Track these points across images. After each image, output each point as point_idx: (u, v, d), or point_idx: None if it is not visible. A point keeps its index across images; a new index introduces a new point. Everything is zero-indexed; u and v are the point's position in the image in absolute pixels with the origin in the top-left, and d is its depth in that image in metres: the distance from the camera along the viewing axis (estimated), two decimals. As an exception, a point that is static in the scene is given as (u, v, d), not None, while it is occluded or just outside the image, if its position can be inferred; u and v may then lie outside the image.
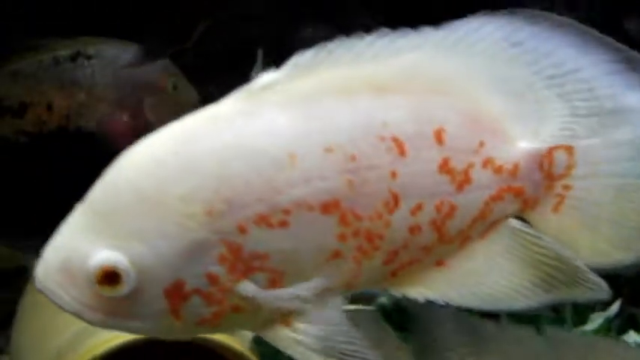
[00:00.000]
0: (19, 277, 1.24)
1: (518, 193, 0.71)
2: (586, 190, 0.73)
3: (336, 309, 0.66)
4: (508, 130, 0.71)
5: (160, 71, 1.20)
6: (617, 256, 0.73)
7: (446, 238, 0.69)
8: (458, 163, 0.67)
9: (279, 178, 0.62)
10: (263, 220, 0.62)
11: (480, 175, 0.69)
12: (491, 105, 0.69)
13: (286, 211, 0.62)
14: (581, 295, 0.72)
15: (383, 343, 0.81)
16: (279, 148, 0.62)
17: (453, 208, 0.67)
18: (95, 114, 1.18)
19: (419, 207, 0.66)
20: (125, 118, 1.18)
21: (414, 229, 0.67)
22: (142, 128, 1.15)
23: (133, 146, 0.66)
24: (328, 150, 0.63)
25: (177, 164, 0.62)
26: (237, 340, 0.85)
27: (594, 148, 0.72)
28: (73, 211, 0.65)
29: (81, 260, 0.62)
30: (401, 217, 0.66)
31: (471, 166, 0.68)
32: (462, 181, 0.67)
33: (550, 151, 0.71)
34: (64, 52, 1.19)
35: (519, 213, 0.73)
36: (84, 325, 0.82)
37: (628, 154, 0.71)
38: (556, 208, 0.73)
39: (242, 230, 0.61)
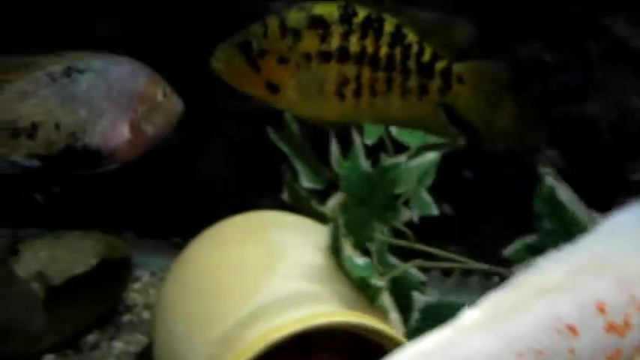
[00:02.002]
0: (123, 268, 1.28)
1: None
2: None
3: None
4: None
5: (148, 80, 1.17)
6: None
7: None
8: (619, 321, 0.81)
9: None
10: None
11: (637, 318, 0.82)
12: (636, 263, 0.84)
13: None
14: None
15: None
16: None
17: (619, 351, 0.82)
18: (97, 129, 1.14)
19: None
20: (125, 130, 1.16)
21: None
22: (140, 140, 1.17)
23: None
24: (521, 354, 0.76)
25: None
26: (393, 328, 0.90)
27: None
28: None
29: None
30: None
31: (628, 315, 0.82)
32: (623, 329, 0.82)
33: None
34: (56, 68, 1.15)
35: None
36: (250, 311, 0.88)
37: None
38: None
39: None
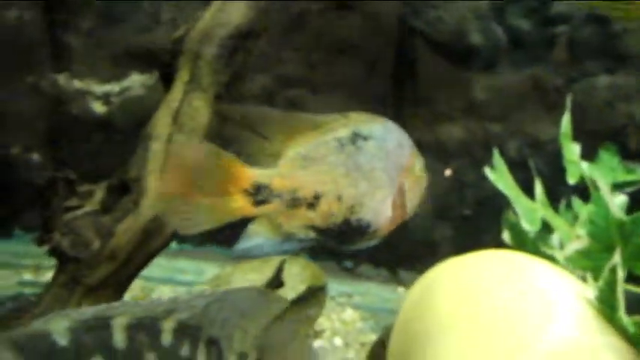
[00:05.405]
0: (321, 294, 1.30)
1: None
2: None
3: None
4: None
5: (411, 151, 1.06)
6: None
7: None
8: None
9: None
10: None
11: None
12: None
13: None
14: None
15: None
16: None
17: None
18: (371, 204, 1.02)
19: None
20: (389, 206, 1.04)
21: None
22: (396, 217, 1.06)
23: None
24: None
25: None
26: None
27: None
28: None
29: None
30: None
31: None
32: None
33: None
34: (343, 132, 1.02)
35: None
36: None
37: None
38: None
39: None
